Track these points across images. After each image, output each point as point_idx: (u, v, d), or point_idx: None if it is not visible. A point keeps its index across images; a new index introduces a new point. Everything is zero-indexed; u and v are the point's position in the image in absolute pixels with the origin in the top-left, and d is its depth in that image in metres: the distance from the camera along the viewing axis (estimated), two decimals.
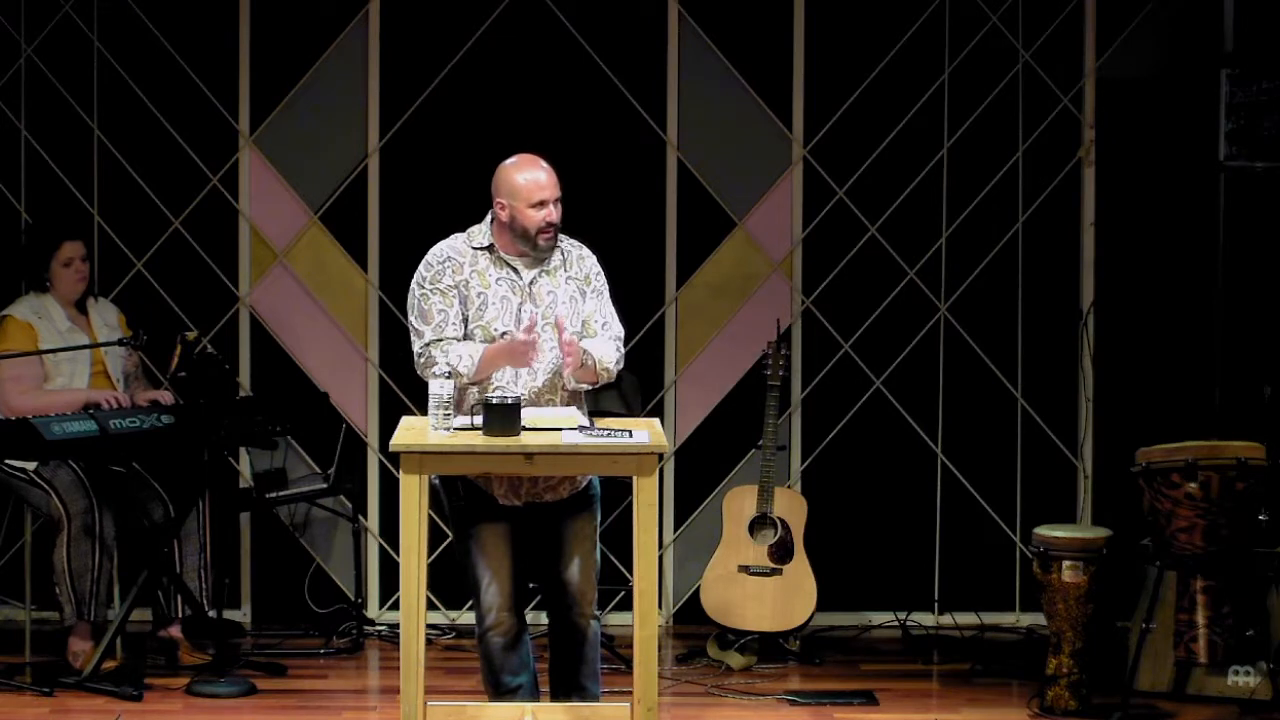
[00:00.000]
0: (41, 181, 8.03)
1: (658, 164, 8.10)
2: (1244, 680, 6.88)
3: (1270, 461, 6.74)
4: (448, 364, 5.82)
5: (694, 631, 7.84)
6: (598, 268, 6.13)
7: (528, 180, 6.00)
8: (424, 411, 5.94)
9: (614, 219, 8.07)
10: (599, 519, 6.07)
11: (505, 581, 5.98)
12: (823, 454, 8.15)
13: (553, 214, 5.97)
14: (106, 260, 7.89)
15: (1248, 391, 7.56)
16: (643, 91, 8.08)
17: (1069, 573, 6.76)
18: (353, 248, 8.09)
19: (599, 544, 6.07)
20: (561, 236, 6.07)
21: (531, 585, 7.95)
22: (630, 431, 5.85)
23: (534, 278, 6.01)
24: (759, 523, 7.54)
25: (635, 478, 5.70)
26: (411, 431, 5.93)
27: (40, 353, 7.22)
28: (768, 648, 7.51)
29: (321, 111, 8.03)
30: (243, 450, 8.03)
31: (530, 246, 5.97)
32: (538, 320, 5.87)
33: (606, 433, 5.83)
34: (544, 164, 6.06)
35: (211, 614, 7.28)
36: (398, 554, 5.88)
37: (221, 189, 8.06)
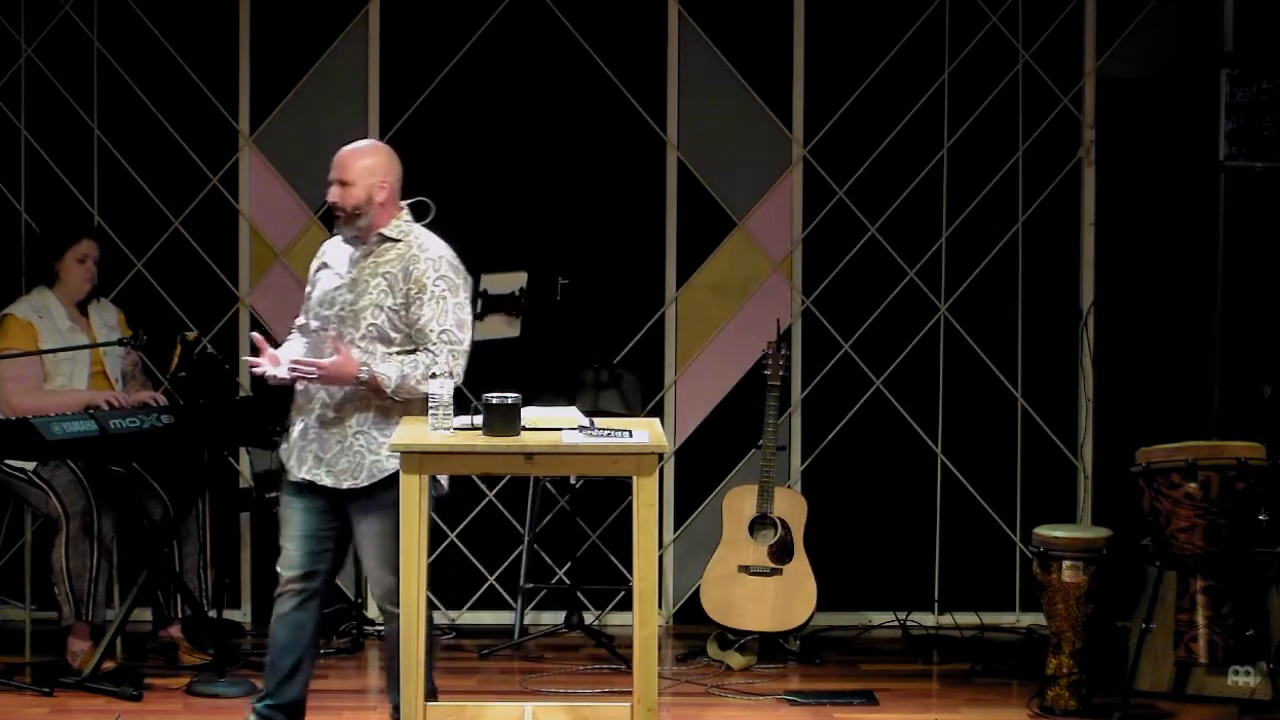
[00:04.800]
0: (41, 181, 8.03)
1: (658, 164, 8.10)
2: (1244, 680, 6.88)
3: (1270, 461, 6.74)
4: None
5: (694, 631, 7.84)
6: (438, 271, 5.86)
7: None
8: (424, 411, 5.95)
9: (614, 219, 8.08)
10: (399, 524, 5.79)
11: (293, 552, 5.97)
12: (823, 454, 8.15)
13: (332, 193, 5.90)
14: (106, 260, 7.88)
15: (1248, 391, 7.57)
16: (643, 91, 8.08)
17: (1069, 573, 6.76)
18: None
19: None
20: (419, 234, 5.94)
21: (530, 585, 8.00)
22: (630, 431, 5.85)
23: (361, 267, 5.91)
24: (759, 523, 7.54)
25: (635, 478, 5.69)
26: (411, 431, 5.93)
27: (40, 353, 7.22)
28: (768, 648, 7.51)
29: (321, 111, 8.03)
30: (243, 450, 8.03)
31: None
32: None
33: (606, 433, 5.83)
34: (354, 146, 5.97)
35: (211, 614, 7.28)
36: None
37: (221, 189, 8.06)
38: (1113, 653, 7.13)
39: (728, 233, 8.11)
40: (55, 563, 7.12)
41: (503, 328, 7.58)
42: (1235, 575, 6.76)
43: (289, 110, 8.04)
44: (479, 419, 5.86)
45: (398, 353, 5.85)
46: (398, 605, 5.86)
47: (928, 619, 8.08)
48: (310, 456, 5.93)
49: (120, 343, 7.24)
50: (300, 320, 6.12)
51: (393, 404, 5.89)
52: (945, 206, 8.13)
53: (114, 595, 7.35)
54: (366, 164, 5.91)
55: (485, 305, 7.52)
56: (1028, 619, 8.05)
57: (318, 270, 6.04)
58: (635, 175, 8.10)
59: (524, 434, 5.80)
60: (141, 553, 7.31)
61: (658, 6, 8.07)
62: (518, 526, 8.03)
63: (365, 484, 5.89)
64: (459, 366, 5.89)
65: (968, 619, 8.03)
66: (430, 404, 5.84)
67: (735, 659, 7.44)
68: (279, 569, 6.02)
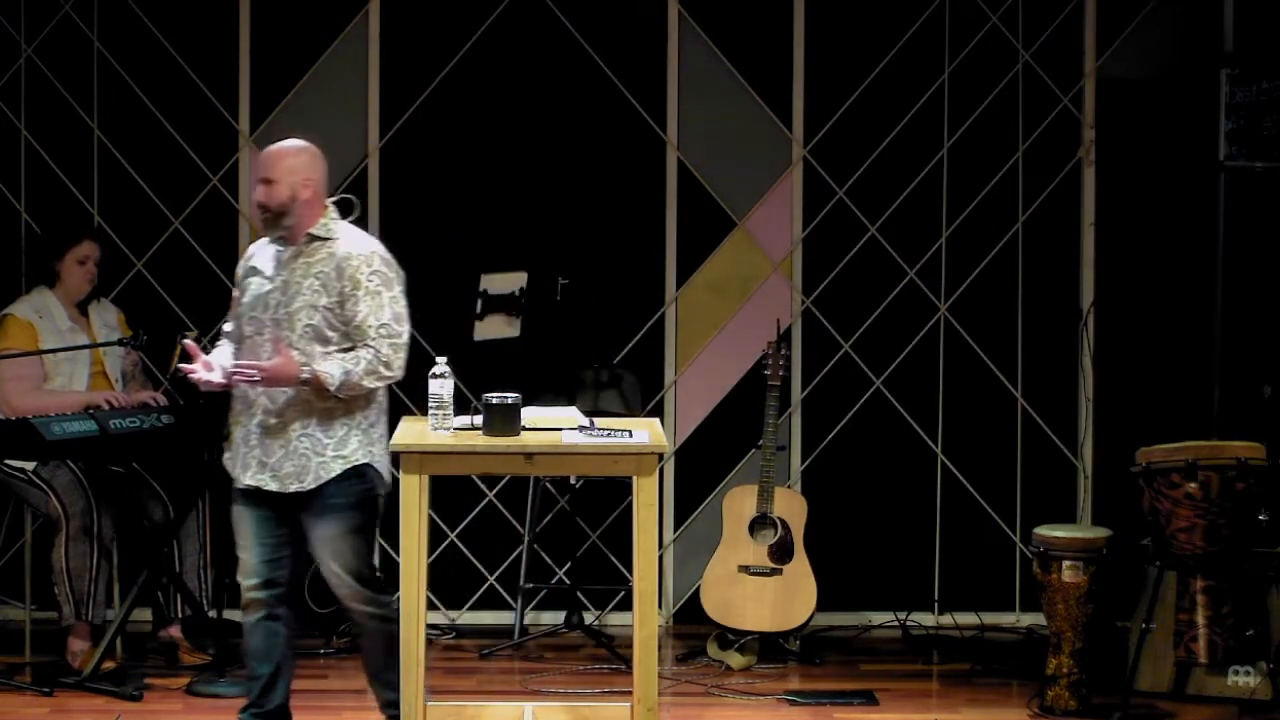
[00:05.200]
0: (41, 181, 8.03)
1: (658, 164, 8.10)
2: (1244, 680, 6.88)
3: (1270, 461, 6.74)
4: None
5: (694, 631, 7.83)
6: (371, 267, 5.81)
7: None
8: (424, 411, 5.95)
9: (614, 219, 8.08)
10: (351, 525, 5.84)
11: (250, 561, 5.93)
12: (823, 454, 8.15)
13: (257, 192, 5.84)
14: (106, 260, 7.87)
15: (1248, 391, 7.56)
16: (643, 91, 8.08)
17: (1069, 573, 6.76)
18: None
19: (368, 545, 5.92)
20: (346, 231, 5.89)
21: (530, 585, 8.00)
22: (630, 431, 5.85)
23: (292, 268, 5.85)
24: (759, 523, 7.54)
25: (635, 478, 5.70)
26: (411, 431, 5.93)
27: (40, 352, 7.22)
28: (768, 648, 7.51)
29: (321, 111, 8.03)
30: None
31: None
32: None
33: (606, 433, 5.83)
34: (280, 144, 5.91)
35: (211, 614, 7.28)
36: (398, 554, 5.88)
37: (221, 189, 8.06)
38: (1113, 653, 7.13)
39: (728, 233, 8.11)
40: (55, 563, 7.13)
41: (503, 328, 7.58)
42: (1235, 575, 6.76)
43: (289, 110, 8.04)
44: (479, 419, 5.87)
45: (335, 351, 5.79)
46: (366, 603, 5.86)
47: (928, 619, 8.08)
48: (254, 462, 5.87)
49: (120, 343, 7.24)
50: (229, 326, 6.06)
51: (335, 404, 5.81)
52: (945, 206, 8.13)
53: (114, 595, 7.35)
54: (290, 163, 5.85)
55: (485, 305, 7.52)
56: (1028, 619, 8.05)
57: (246, 275, 5.97)
58: (635, 175, 8.10)
59: (524, 434, 5.80)
60: (141, 553, 7.31)
61: (658, 6, 8.07)
62: (518, 526, 8.03)
63: (312, 486, 5.82)
64: (399, 359, 5.82)
65: (968, 619, 8.03)
66: (430, 404, 5.85)
67: (735, 659, 7.43)
68: (239, 579, 5.98)
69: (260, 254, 5.96)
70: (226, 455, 5.98)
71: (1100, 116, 8.10)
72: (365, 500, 5.86)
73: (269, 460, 5.84)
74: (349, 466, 5.83)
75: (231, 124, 8.03)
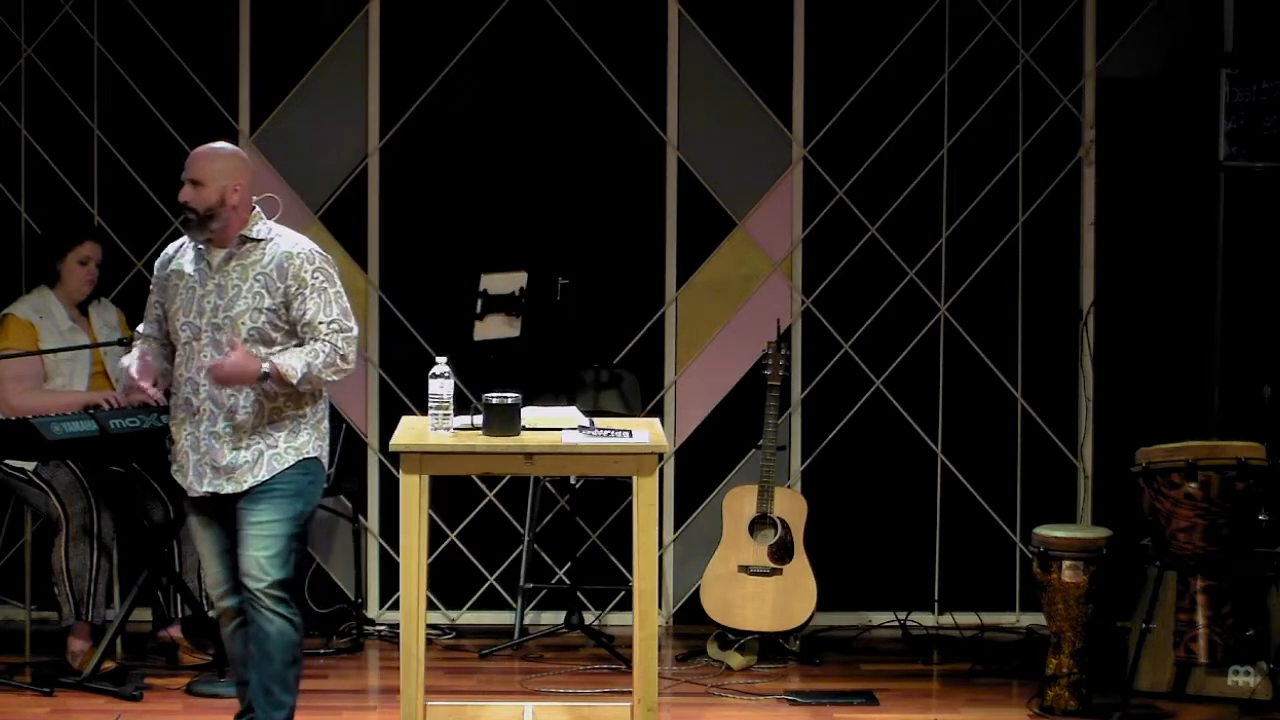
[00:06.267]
0: (41, 181, 8.03)
1: (658, 164, 8.10)
2: (1244, 680, 6.88)
3: (1270, 461, 6.73)
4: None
5: (694, 631, 7.83)
6: (313, 264, 5.75)
7: None
8: (424, 411, 5.94)
9: (614, 219, 8.08)
10: (291, 513, 5.75)
11: (215, 571, 5.88)
12: (823, 454, 8.15)
13: (184, 193, 5.74)
14: (107, 260, 7.87)
15: (1248, 391, 7.56)
16: (643, 91, 8.08)
17: (1069, 573, 6.76)
18: (353, 247, 8.09)
19: (301, 542, 5.82)
20: (281, 233, 5.83)
21: (530, 585, 8.00)
22: (630, 431, 5.85)
23: (225, 270, 5.76)
24: (759, 523, 7.53)
25: (635, 478, 5.70)
26: (411, 431, 5.93)
27: (40, 352, 7.22)
28: (768, 648, 7.51)
29: (321, 111, 8.03)
30: None
31: None
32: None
33: (606, 433, 5.83)
34: (208, 146, 5.82)
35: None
36: (398, 554, 5.88)
37: None
38: (1113, 653, 7.13)
39: (728, 233, 8.11)
40: (55, 563, 7.13)
41: (503, 328, 7.58)
42: (1235, 575, 6.76)
43: (289, 110, 8.04)
44: (479, 419, 5.87)
45: (280, 351, 5.73)
46: (280, 601, 5.71)
47: (928, 619, 8.08)
48: (208, 469, 5.76)
49: (120, 343, 7.23)
50: (147, 329, 5.93)
51: (285, 402, 5.74)
52: (945, 206, 8.13)
53: (114, 595, 7.35)
54: (220, 166, 5.76)
55: (485, 305, 7.52)
56: (1028, 619, 8.05)
57: (169, 279, 5.83)
58: (635, 175, 8.10)
59: (524, 434, 5.80)
60: (141, 553, 7.31)
61: (658, 6, 8.07)
62: (518, 526, 8.03)
63: (265, 477, 5.73)
64: (353, 353, 5.75)
65: (968, 619, 8.03)
66: (430, 404, 5.85)
67: (735, 659, 7.43)
68: (209, 590, 5.96)
69: (182, 257, 5.85)
70: (174, 467, 5.84)
71: (1100, 116, 8.10)
72: (308, 492, 5.79)
73: (221, 464, 5.74)
74: (301, 458, 5.76)
75: (231, 124, 8.03)
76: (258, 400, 5.72)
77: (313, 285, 5.73)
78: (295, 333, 5.75)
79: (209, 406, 5.75)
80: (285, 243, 5.80)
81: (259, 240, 5.78)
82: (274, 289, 5.72)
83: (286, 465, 5.74)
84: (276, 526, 5.73)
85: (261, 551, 5.72)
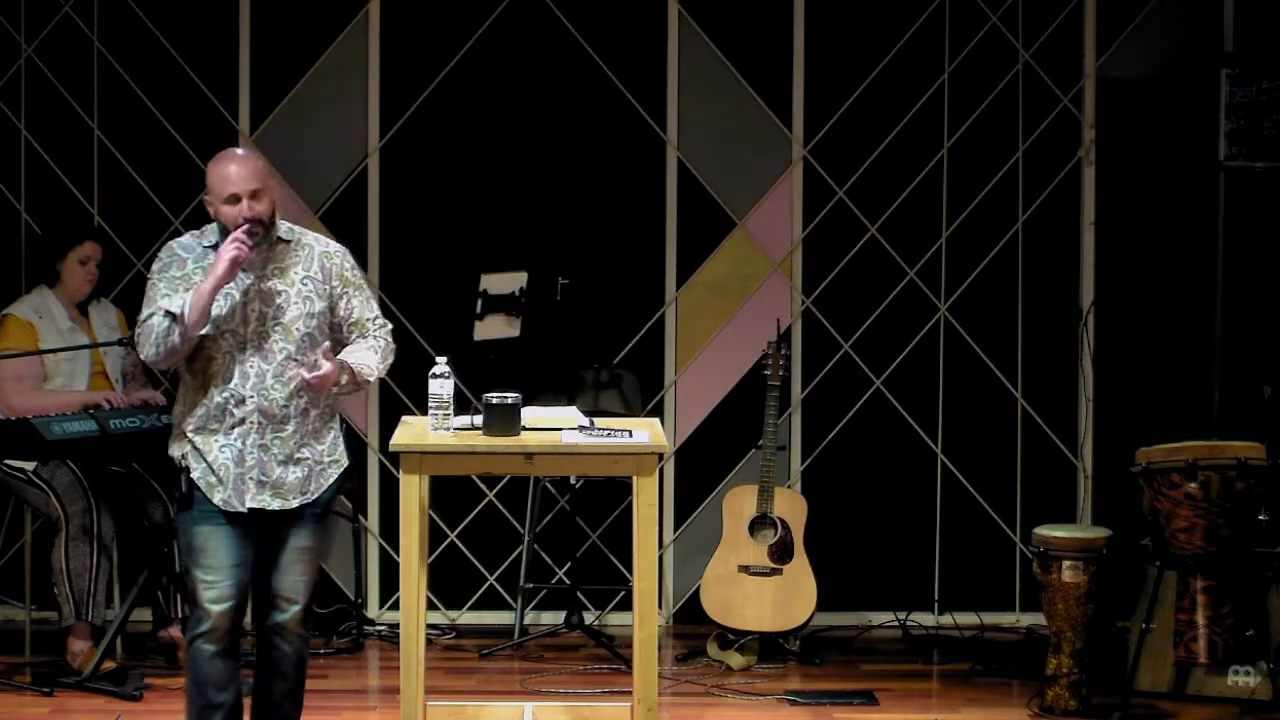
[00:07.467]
0: (41, 181, 8.03)
1: (658, 164, 8.10)
2: (1244, 680, 6.88)
3: (1270, 461, 6.74)
4: (166, 311, 5.41)
5: (694, 631, 7.83)
6: (350, 262, 5.70)
7: (217, 175, 5.51)
8: (424, 411, 5.94)
9: (614, 219, 8.08)
10: (327, 536, 5.69)
11: (225, 586, 5.50)
12: (823, 454, 8.15)
13: (247, 208, 5.47)
14: (107, 260, 7.88)
15: (1248, 391, 7.56)
16: (643, 91, 8.08)
17: (1069, 573, 6.76)
18: (353, 247, 8.03)
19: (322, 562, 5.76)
20: (303, 232, 5.69)
21: (530, 585, 8.00)
22: (630, 431, 5.85)
23: (264, 275, 5.55)
24: (759, 523, 7.54)
25: (635, 478, 5.70)
26: (411, 431, 5.93)
27: (40, 353, 7.22)
28: (768, 648, 7.51)
29: (321, 111, 8.04)
30: None
31: None
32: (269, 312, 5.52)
33: (606, 433, 5.83)
34: (239, 155, 5.57)
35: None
36: (398, 554, 5.88)
37: None
38: (1113, 653, 7.13)
39: (728, 233, 8.11)
40: (55, 563, 7.13)
41: (503, 328, 7.58)
42: (1235, 575, 6.76)
43: (289, 110, 8.04)
44: (479, 419, 5.87)
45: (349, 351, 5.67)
46: (304, 624, 5.61)
47: (928, 619, 8.08)
48: (252, 484, 5.49)
49: (120, 342, 7.24)
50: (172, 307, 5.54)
51: (325, 408, 5.61)
52: (945, 206, 8.13)
53: (114, 595, 7.35)
54: (263, 168, 5.59)
55: (485, 305, 7.52)
56: (1028, 619, 8.05)
57: (192, 273, 5.53)
58: (635, 175, 8.10)
59: (524, 434, 5.80)
60: (141, 553, 7.31)
61: (658, 6, 8.07)
62: (518, 526, 8.03)
63: (313, 497, 5.58)
64: (393, 347, 5.77)
65: (968, 619, 8.03)
66: (430, 404, 5.84)
67: (735, 659, 7.43)
68: (208, 605, 5.48)
69: (197, 259, 5.56)
70: (210, 479, 5.50)
71: (1100, 116, 8.10)
72: (334, 505, 5.75)
73: (270, 478, 5.51)
74: (341, 470, 5.67)
75: (231, 124, 8.03)
76: (305, 409, 5.55)
77: (354, 283, 5.70)
78: (330, 332, 5.65)
79: (256, 418, 5.52)
80: (315, 242, 5.69)
81: (288, 241, 5.65)
82: (321, 292, 5.61)
83: (330, 481, 5.61)
84: (314, 555, 5.63)
85: (302, 576, 5.59)
